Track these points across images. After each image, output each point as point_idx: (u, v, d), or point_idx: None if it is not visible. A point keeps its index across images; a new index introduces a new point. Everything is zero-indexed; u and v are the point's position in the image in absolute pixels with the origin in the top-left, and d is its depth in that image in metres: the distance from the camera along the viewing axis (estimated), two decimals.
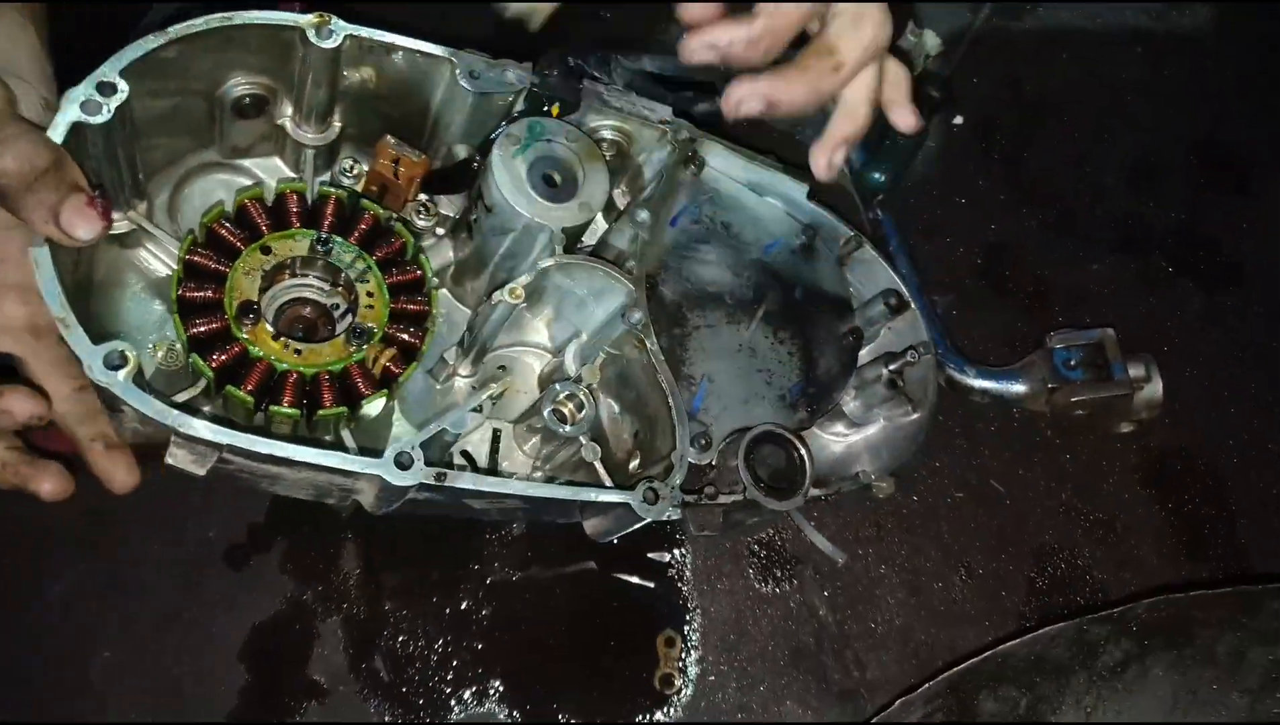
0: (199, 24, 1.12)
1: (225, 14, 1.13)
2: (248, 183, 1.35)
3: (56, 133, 1.01)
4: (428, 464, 1.07)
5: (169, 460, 0.98)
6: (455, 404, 1.39)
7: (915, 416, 1.40)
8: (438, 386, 1.37)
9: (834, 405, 1.38)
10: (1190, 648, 1.17)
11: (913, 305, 1.45)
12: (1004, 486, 1.52)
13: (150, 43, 1.09)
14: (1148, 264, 1.71)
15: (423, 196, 1.36)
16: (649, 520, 1.14)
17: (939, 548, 1.48)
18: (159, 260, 1.26)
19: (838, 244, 1.48)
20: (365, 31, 1.20)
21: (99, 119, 1.04)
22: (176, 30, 1.10)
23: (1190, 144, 1.83)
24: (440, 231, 1.40)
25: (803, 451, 1.23)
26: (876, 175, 1.62)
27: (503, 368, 1.43)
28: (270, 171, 1.39)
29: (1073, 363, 1.44)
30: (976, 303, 1.64)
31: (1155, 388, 1.44)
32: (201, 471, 0.98)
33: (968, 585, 1.46)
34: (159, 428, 0.98)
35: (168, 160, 1.30)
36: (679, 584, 1.46)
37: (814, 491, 1.26)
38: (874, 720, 1.19)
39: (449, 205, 1.38)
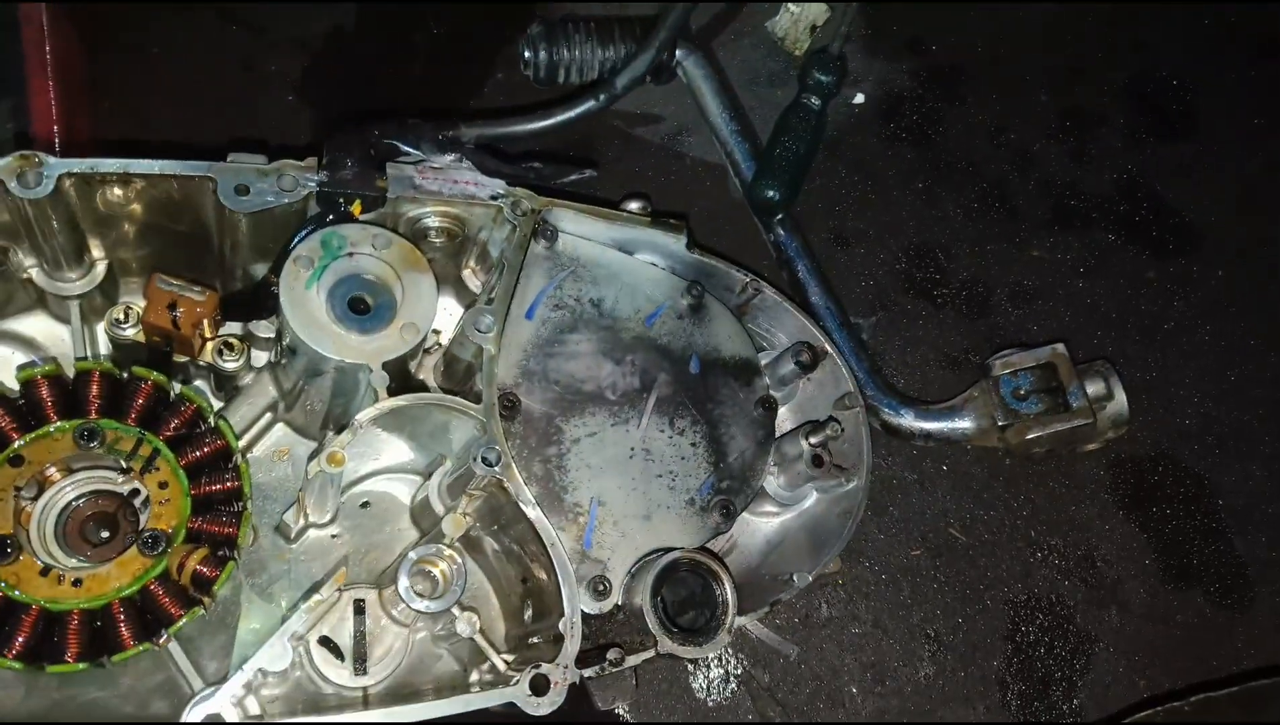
0: None
1: None
2: (5, 352, 1.11)
3: None
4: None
5: None
6: (317, 560, 1.18)
7: (851, 485, 1.20)
8: (290, 547, 1.15)
9: (754, 495, 1.17)
10: None
11: (830, 351, 1.23)
12: (964, 533, 1.33)
13: None
14: (1091, 238, 1.50)
15: (229, 328, 1.12)
16: (545, 714, 0.94)
17: (900, 619, 1.29)
18: None
19: (733, 293, 1.25)
20: (85, 165, 0.95)
21: None
22: None
23: (1120, 89, 1.61)
24: (258, 363, 1.16)
25: (724, 582, 1.03)
26: (770, 192, 1.39)
27: (365, 504, 1.21)
28: (37, 329, 1.15)
29: (1023, 392, 1.24)
30: (906, 319, 1.44)
31: (1119, 404, 1.25)
32: None
33: (938, 658, 1.28)
34: None
35: None
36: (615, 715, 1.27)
37: (743, 620, 1.06)
38: None
39: (266, 327, 1.14)
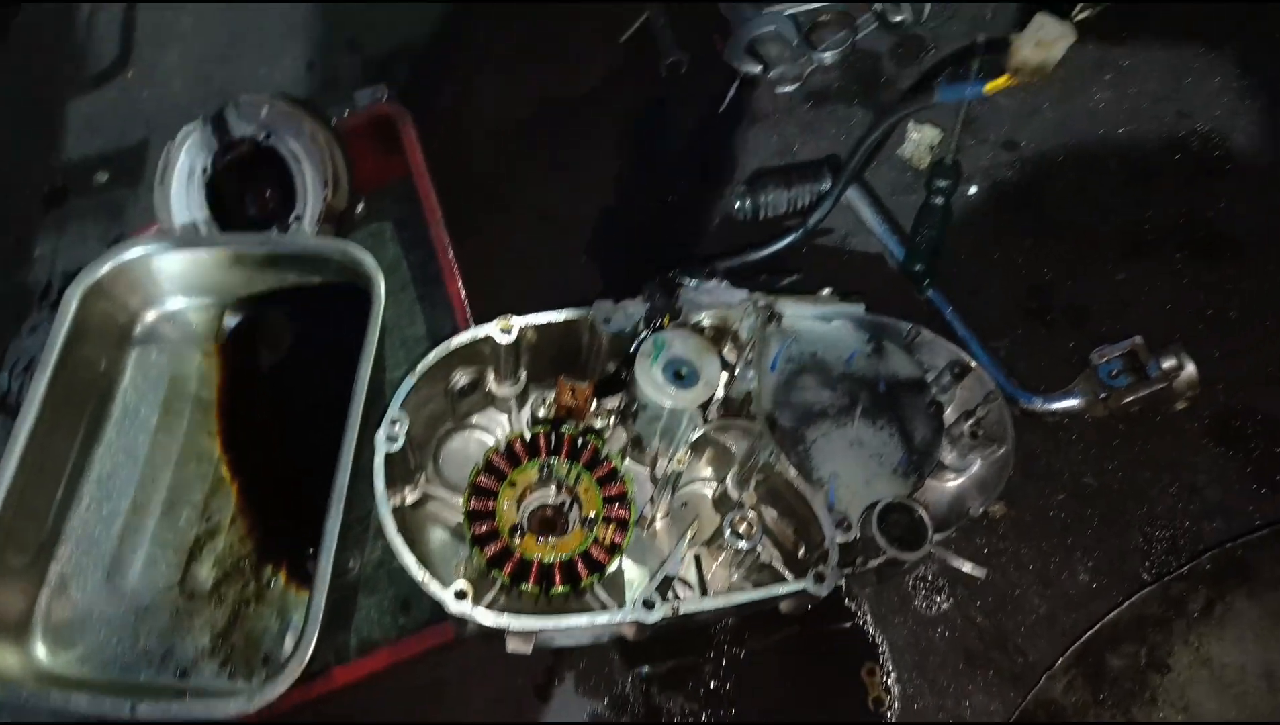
0: (432, 358, 1.69)
1: (443, 344, 1.71)
2: (475, 434, 1.94)
3: (379, 475, 1.58)
4: (663, 601, 1.57)
5: (509, 648, 1.51)
6: (659, 541, 1.90)
7: (1002, 451, 1.79)
8: (643, 534, 1.88)
9: (936, 464, 1.80)
10: (1258, 581, 1.49)
11: (974, 365, 1.85)
12: (1097, 481, 1.87)
13: (408, 382, 1.67)
14: (1163, 260, 2.04)
15: (593, 405, 1.89)
16: (825, 595, 1.59)
17: (1057, 545, 1.84)
18: (445, 508, 1.83)
19: (901, 336, 1.91)
20: (530, 319, 1.76)
21: (398, 446, 1.61)
22: (420, 368, 1.68)
23: (1167, 145, 2.17)
24: (612, 422, 1.92)
25: (920, 511, 1.65)
26: (917, 266, 2.05)
27: (684, 504, 1.93)
28: (486, 420, 1.96)
29: (1115, 373, 1.80)
30: (1029, 339, 2.02)
31: (1189, 371, 1.78)
32: (528, 649, 1.51)
33: (1090, 568, 1.82)
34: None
35: (426, 440, 1.88)
36: (865, 627, 1.89)
37: (938, 536, 1.68)
38: (1028, 698, 1.57)
39: (613, 401, 1.91)
